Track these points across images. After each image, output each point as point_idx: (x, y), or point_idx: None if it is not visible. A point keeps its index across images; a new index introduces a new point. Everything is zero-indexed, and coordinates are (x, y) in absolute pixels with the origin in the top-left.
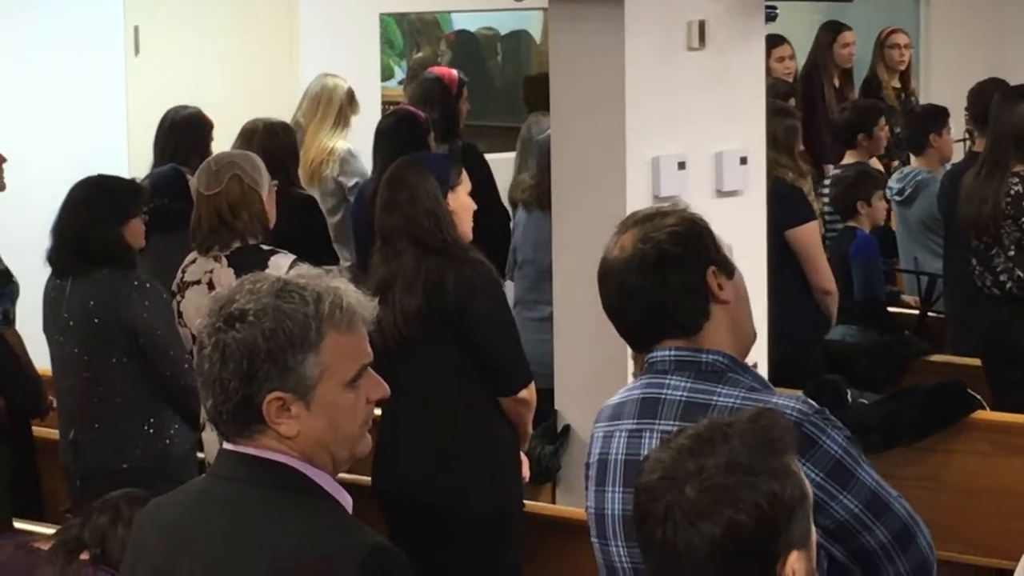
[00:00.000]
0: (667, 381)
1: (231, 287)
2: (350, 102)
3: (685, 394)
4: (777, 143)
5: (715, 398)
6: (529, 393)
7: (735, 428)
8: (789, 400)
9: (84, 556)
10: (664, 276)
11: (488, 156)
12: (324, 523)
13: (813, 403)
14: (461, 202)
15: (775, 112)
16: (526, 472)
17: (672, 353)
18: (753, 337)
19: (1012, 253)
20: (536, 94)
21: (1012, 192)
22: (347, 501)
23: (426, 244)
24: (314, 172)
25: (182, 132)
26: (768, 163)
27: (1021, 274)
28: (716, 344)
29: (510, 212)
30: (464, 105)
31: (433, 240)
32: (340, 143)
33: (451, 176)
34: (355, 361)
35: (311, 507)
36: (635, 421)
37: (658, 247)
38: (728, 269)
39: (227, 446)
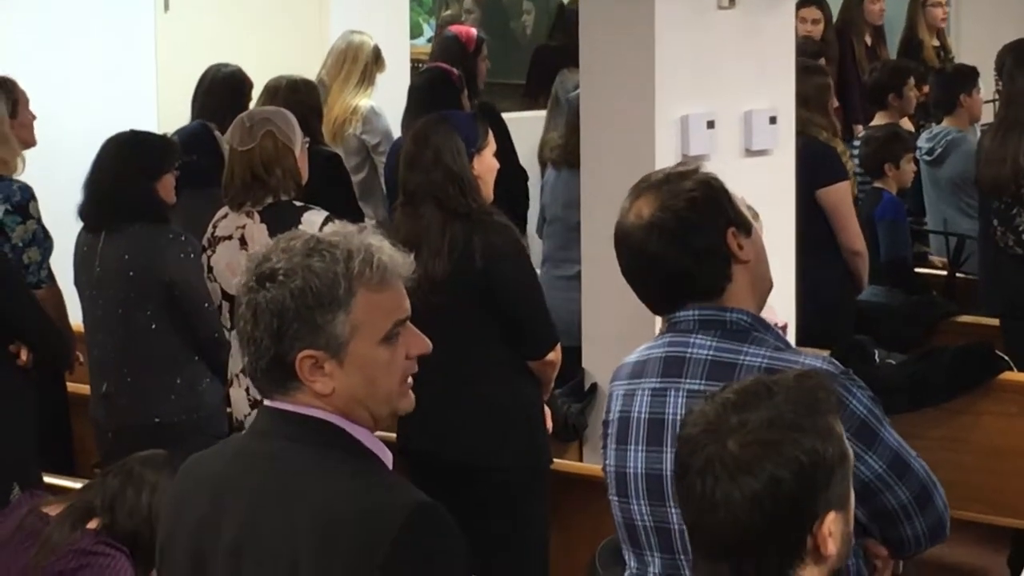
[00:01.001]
0: (692, 340)
1: (267, 245)
2: (376, 60)
3: (711, 353)
4: (809, 102)
5: (742, 357)
6: (555, 355)
7: (780, 385)
8: (815, 360)
9: (92, 524)
10: (685, 243)
11: (516, 114)
12: (368, 479)
13: (838, 363)
14: (487, 164)
15: (806, 71)
16: (549, 425)
17: (696, 313)
18: (770, 287)
19: None
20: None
21: None
22: (388, 457)
23: (450, 208)
24: (337, 131)
25: (221, 91)
26: (801, 122)
27: None
28: (738, 303)
29: (538, 171)
30: (484, 63)
31: (457, 204)
32: (364, 101)
33: (478, 137)
34: (389, 317)
35: (353, 463)
36: (659, 380)
37: (677, 214)
38: (747, 227)
39: (267, 403)
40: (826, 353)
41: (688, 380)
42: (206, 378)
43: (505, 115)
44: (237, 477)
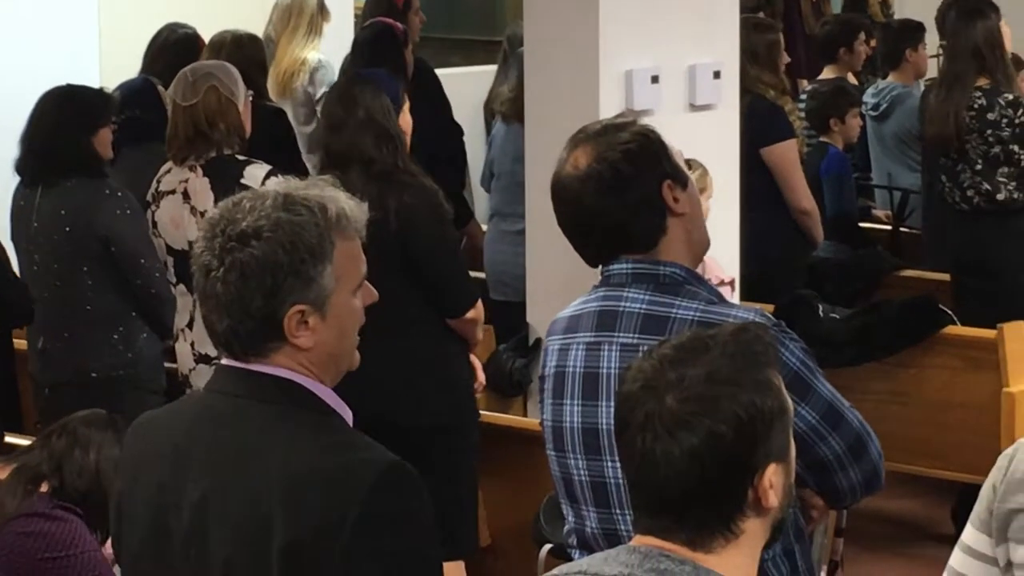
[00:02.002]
0: (624, 294)
1: (223, 206)
2: (321, 11)
3: (643, 306)
4: (759, 58)
5: (674, 310)
6: (476, 312)
7: (717, 340)
8: (747, 313)
9: (44, 488)
10: (620, 195)
11: (460, 70)
12: (336, 438)
13: (770, 316)
14: (406, 122)
15: (756, 27)
16: (481, 377)
17: (629, 266)
18: (707, 245)
19: (979, 167)
20: None
21: (976, 106)
22: (349, 416)
23: (376, 170)
24: (286, 83)
25: (174, 52)
26: (750, 80)
27: (988, 187)
28: (673, 256)
29: (482, 126)
30: (416, 17)
31: (384, 165)
32: (312, 53)
33: (400, 95)
34: (359, 267)
35: (320, 422)
36: (593, 333)
37: (613, 166)
38: (683, 180)
39: (226, 362)
40: (768, 308)
41: (622, 334)
42: (143, 333)
43: (448, 71)
44: (201, 436)
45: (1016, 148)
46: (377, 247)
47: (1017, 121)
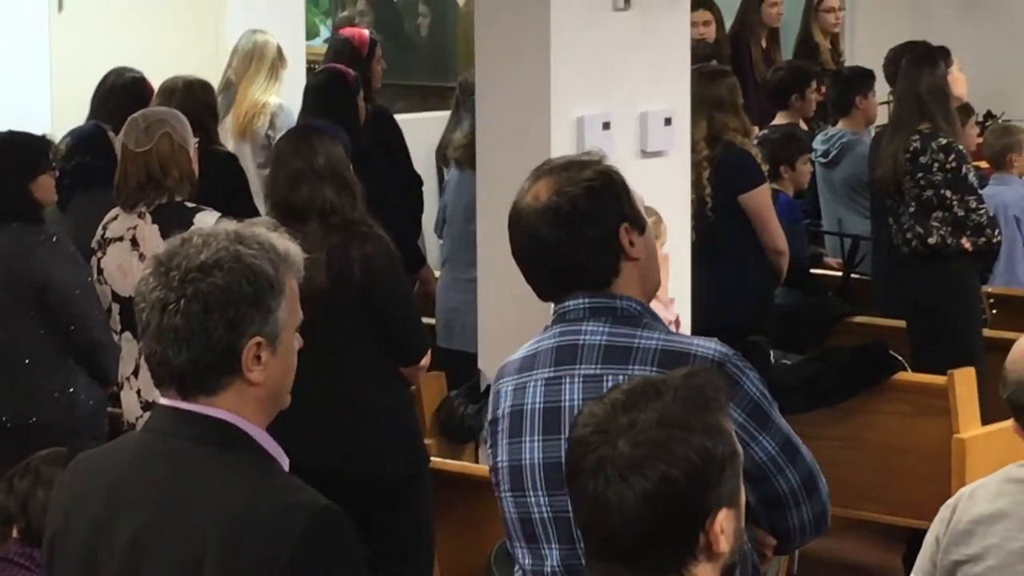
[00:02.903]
0: (583, 327)
1: (172, 243)
2: (280, 57)
3: (605, 338)
4: (723, 105)
5: (636, 340)
6: (427, 359)
7: (668, 384)
8: (708, 342)
9: (15, 532)
10: (577, 231)
11: (412, 116)
12: (270, 482)
13: (728, 347)
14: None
15: (714, 74)
16: None
17: (586, 301)
18: (658, 286)
19: (913, 209)
20: None
21: (911, 149)
22: (285, 461)
23: (334, 221)
24: (247, 126)
25: (121, 96)
26: (718, 127)
27: (921, 230)
28: (625, 293)
29: (440, 171)
30: (379, 66)
31: (344, 215)
32: (272, 98)
33: (349, 146)
34: (299, 306)
35: (256, 465)
36: (552, 369)
37: (573, 201)
38: (640, 224)
39: (165, 402)
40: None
41: (583, 365)
42: (83, 381)
43: (401, 116)
44: (136, 476)
45: (948, 193)
46: (341, 297)
47: (948, 166)
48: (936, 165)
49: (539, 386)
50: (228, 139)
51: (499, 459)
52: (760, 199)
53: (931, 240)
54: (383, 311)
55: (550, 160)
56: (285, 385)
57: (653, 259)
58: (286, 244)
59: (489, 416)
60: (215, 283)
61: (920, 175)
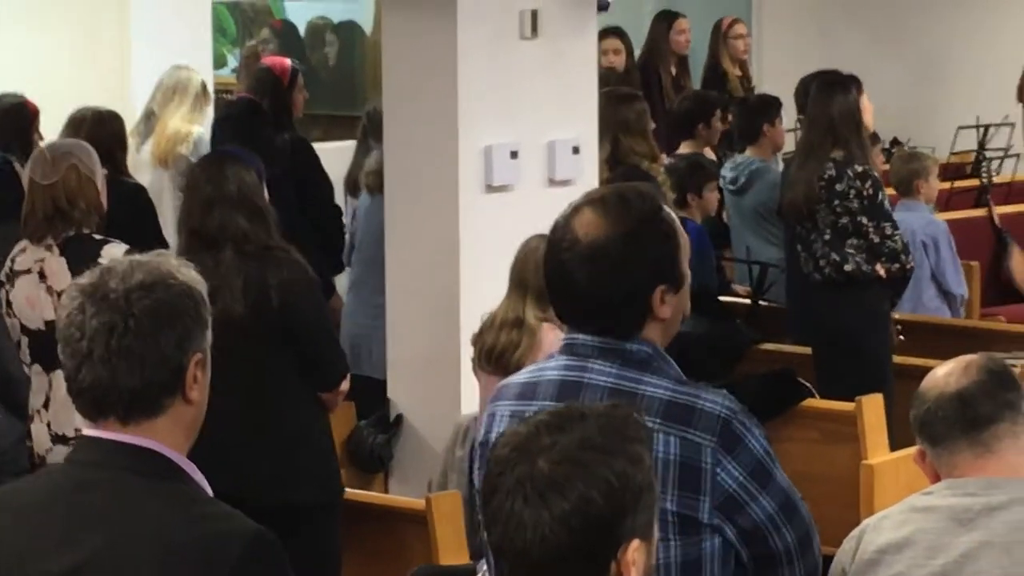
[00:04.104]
0: (589, 365)
1: (95, 274)
2: (204, 92)
3: (611, 380)
4: (630, 129)
5: (642, 387)
6: (346, 384)
7: (593, 411)
8: (715, 396)
9: None
10: (610, 282)
11: (320, 145)
12: (203, 509)
13: (737, 401)
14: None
15: (622, 98)
16: None
17: (596, 340)
18: (676, 332)
19: (828, 237)
20: None
21: (826, 176)
22: (209, 491)
23: (250, 248)
24: (167, 153)
25: (6, 120)
26: (623, 151)
27: (836, 257)
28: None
29: (350, 197)
30: (301, 95)
31: (258, 242)
32: (196, 127)
33: (263, 173)
34: None
35: (184, 494)
36: (553, 403)
37: (613, 248)
38: (678, 283)
39: (94, 433)
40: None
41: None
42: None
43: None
44: (66, 507)
45: (864, 220)
46: (259, 323)
47: (865, 193)
48: (853, 192)
49: None
50: (146, 166)
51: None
52: None
53: (847, 267)
54: (301, 336)
55: (601, 190)
56: (204, 408)
57: (680, 314)
58: (191, 270)
59: (480, 436)
60: (160, 299)
61: (836, 202)
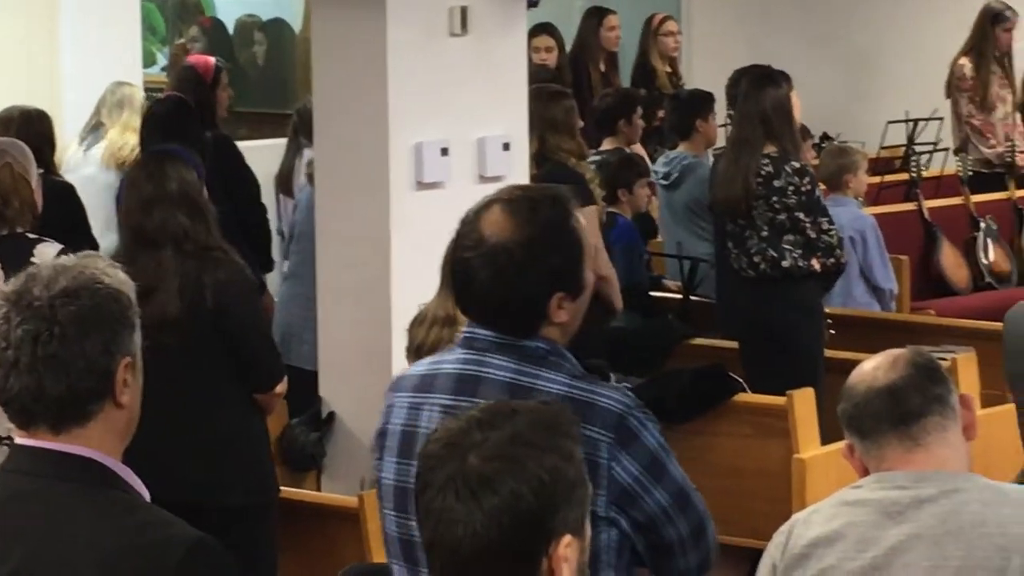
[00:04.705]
0: (487, 360)
1: (18, 281)
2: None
3: (508, 375)
4: (557, 126)
5: (539, 382)
6: (283, 387)
7: (524, 407)
8: (612, 392)
9: None
10: (509, 285)
11: (249, 143)
12: (141, 516)
13: (634, 396)
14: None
15: (551, 95)
16: None
17: (494, 335)
18: (575, 331)
19: (765, 233)
20: None
21: (763, 173)
22: (146, 494)
23: (189, 248)
24: (126, 157)
25: None
26: (550, 148)
27: (774, 254)
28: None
29: (282, 195)
30: (224, 93)
31: (198, 242)
32: None
33: (203, 171)
34: None
35: (123, 501)
36: (451, 397)
37: (514, 253)
38: (577, 289)
39: (26, 442)
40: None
41: (483, 401)
42: None
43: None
44: (3, 516)
45: (802, 216)
46: (193, 324)
47: (803, 189)
48: (791, 188)
49: (435, 413)
50: (95, 166)
51: (385, 475)
52: (584, 220)
53: (785, 264)
54: (236, 338)
55: (515, 189)
56: (139, 408)
57: (579, 316)
58: (119, 273)
59: (378, 426)
60: (85, 305)
61: (775, 199)
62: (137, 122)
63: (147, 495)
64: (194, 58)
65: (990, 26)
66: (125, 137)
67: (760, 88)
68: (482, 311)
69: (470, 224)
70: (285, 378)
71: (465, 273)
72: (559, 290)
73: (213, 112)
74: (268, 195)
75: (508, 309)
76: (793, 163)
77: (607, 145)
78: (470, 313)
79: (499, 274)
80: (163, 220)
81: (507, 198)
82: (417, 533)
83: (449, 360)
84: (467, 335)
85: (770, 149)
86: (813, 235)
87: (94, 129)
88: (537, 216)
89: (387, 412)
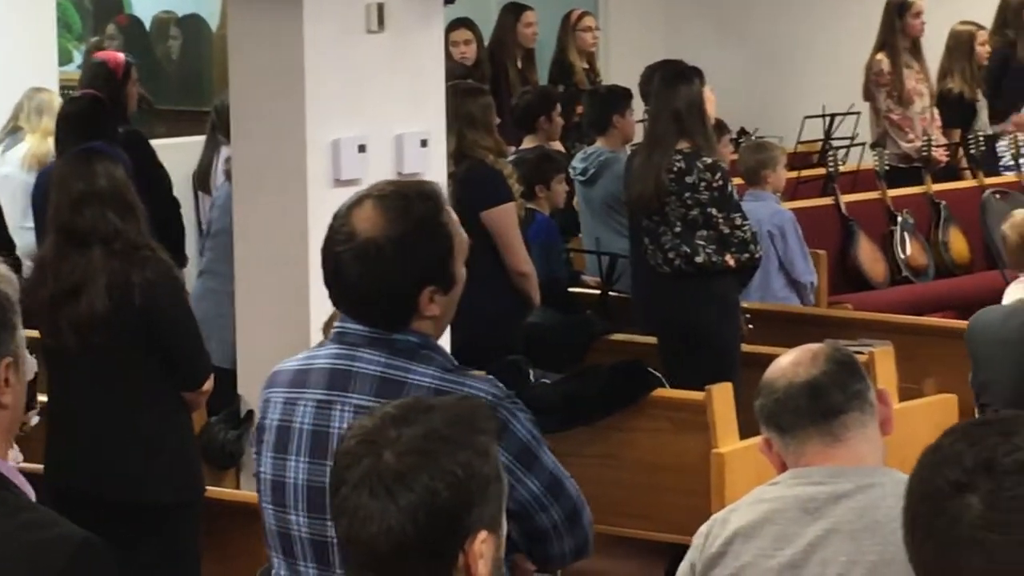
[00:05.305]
0: (359, 354)
1: None
2: None
3: (380, 369)
4: (475, 122)
5: (410, 376)
6: (210, 384)
7: (440, 403)
8: (482, 383)
9: None
10: (379, 279)
11: (168, 140)
12: (26, 516)
13: (503, 387)
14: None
15: (468, 92)
16: None
17: (365, 330)
18: (446, 327)
19: (679, 229)
20: None
21: (675, 169)
22: (31, 493)
23: (119, 246)
24: (36, 153)
25: None
26: (468, 145)
27: (687, 249)
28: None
29: (200, 192)
30: (134, 88)
31: (128, 240)
32: None
33: (130, 167)
34: None
35: (7, 502)
36: (324, 392)
37: (383, 247)
38: (448, 283)
39: None
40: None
41: (356, 395)
42: None
43: (154, 142)
44: None
45: (714, 211)
46: (121, 323)
47: (715, 184)
48: (703, 184)
49: (309, 407)
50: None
51: (263, 469)
52: (502, 217)
53: (698, 259)
54: (163, 336)
55: (387, 185)
56: (23, 408)
57: (451, 310)
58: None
59: (256, 421)
60: None
61: (687, 195)
62: None
63: (32, 495)
64: (103, 54)
65: (897, 18)
66: (48, 143)
67: (672, 85)
68: (353, 305)
69: (342, 219)
70: (212, 376)
71: (336, 267)
72: (430, 284)
73: (125, 108)
74: (186, 192)
75: (379, 302)
76: (705, 159)
77: (528, 143)
78: (342, 307)
79: (370, 268)
80: (94, 219)
81: (379, 194)
82: (295, 527)
83: (322, 355)
84: (338, 330)
85: (683, 145)
86: (726, 231)
87: (12, 132)
88: (408, 211)
89: (263, 407)
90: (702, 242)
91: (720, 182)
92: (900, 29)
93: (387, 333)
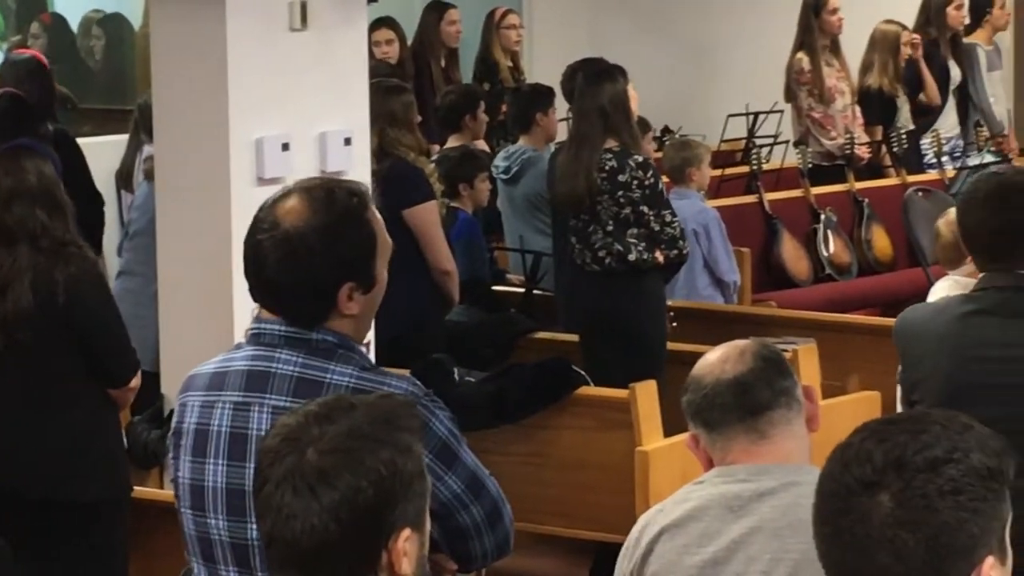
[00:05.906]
0: (276, 355)
1: None
2: None
3: (297, 369)
4: (397, 120)
5: (328, 375)
6: (136, 381)
7: (363, 401)
8: (401, 382)
9: None
10: (297, 272)
11: (92, 139)
12: None
13: (422, 386)
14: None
15: (389, 90)
16: None
17: (282, 329)
18: (368, 330)
19: (610, 228)
20: None
21: (607, 168)
22: None
23: (44, 243)
24: None
25: None
26: (389, 142)
27: (620, 248)
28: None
29: (123, 191)
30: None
31: (55, 237)
32: None
33: (59, 165)
34: None
35: None
36: (241, 393)
37: (305, 239)
38: (369, 282)
39: None
40: (407, 373)
41: (274, 396)
42: None
43: (79, 140)
44: None
45: (646, 209)
46: (46, 320)
47: (647, 182)
48: (636, 182)
49: (227, 409)
50: None
51: (180, 474)
52: (424, 216)
53: (631, 257)
54: (88, 333)
55: (315, 179)
56: None
57: (371, 312)
58: None
59: (173, 426)
60: None
61: (620, 193)
62: None
63: None
64: (21, 51)
65: (814, 17)
66: None
67: (597, 84)
68: (271, 296)
69: (267, 210)
70: (139, 373)
71: (256, 256)
72: (350, 279)
73: (54, 104)
74: (110, 191)
75: (297, 294)
76: (636, 157)
77: (452, 142)
78: (259, 298)
79: (289, 257)
80: (22, 216)
81: (306, 187)
82: (214, 531)
83: (239, 357)
84: (253, 331)
85: (610, 144)
86: (656, 228)
87: None
88: (333, 204)
89: (180, 411)
90: (633, 240)
91: (652, 180)
92: (818, 27)
93: (304, 332)
